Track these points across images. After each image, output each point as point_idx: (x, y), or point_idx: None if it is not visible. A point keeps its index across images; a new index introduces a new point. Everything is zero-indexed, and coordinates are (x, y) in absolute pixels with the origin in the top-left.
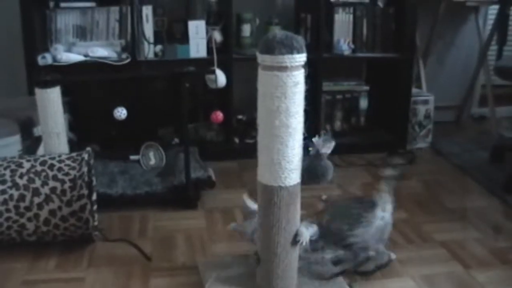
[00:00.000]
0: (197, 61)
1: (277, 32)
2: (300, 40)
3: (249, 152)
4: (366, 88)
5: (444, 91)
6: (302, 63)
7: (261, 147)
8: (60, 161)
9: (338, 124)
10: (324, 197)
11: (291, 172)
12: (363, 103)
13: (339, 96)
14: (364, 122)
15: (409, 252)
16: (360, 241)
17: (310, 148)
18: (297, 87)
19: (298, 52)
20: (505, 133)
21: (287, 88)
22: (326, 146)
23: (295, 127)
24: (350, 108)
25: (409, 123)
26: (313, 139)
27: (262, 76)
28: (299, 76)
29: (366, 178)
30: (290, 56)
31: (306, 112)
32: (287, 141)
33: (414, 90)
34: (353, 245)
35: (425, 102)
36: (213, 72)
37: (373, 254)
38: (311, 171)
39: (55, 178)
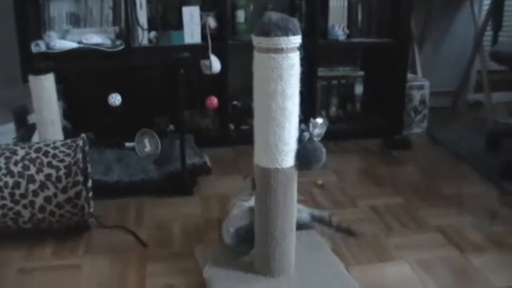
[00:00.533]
0: (192, 47)
1: (273, 14)
2: (295, 22)
3: (245, 138)
4: (361, 73)
5: (439, 77)
6: (297, 45)
7: (258, 130)
8: (54, 148)
9: (333, 110)
10: (320, 182)
11: (288, 154)
12: (358, 89)
13: (334, 82)
14: (359, 108)
15: (405, 237)
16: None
17: (305, 133)
18: (293, 69)
19: (294, 34)
20: (501, 119)
21: (283, 70)
22: (318, 129)
23: (291, 110)
24: (346, 94)
25: (405, 108)
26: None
27: (258, 59)
28: (295, 58)
29: (361, 164)
30: (285, 38)
31: (302, 94)
32: (283, 124)
33: (409, 76)
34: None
35: (420, 87)
36: (208, 57)
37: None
38: (303, 155)
39: (50, 165)
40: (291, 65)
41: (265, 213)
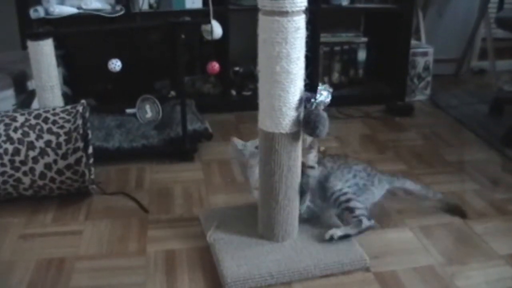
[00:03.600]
0: (193, 12)
1: None
2: None
3: (246, 104)
4: (365, 39)
5: (443, 44)
6: (303, 8)
7: (262, 93)
8: (54, 114)
9: (336, 76)
10: (322, 148)
11: (292, 118)
12: (362, 55)
13: (337, 48)
14: (362, 74)
15: (407, 203)
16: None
17: (312, 100)
18: (298, 32)
19: None
20: (505, 87)
21: (288, 34)
22: (324, 97)
23: (296, 73)
24: (349, 60)
25: (408, 75)
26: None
27: (263, 22)
28: (300, 22)
29: (364, 130)
30: (291, 0)
31: (307, 58)
32: (288, 87)
33: (413, 42)
34: (356, 210)
35: (424, 54)
36: (209, 22)
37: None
38: (306, 123)
39: (49, 131)
40: (296, 29)
41: (269, 177)
